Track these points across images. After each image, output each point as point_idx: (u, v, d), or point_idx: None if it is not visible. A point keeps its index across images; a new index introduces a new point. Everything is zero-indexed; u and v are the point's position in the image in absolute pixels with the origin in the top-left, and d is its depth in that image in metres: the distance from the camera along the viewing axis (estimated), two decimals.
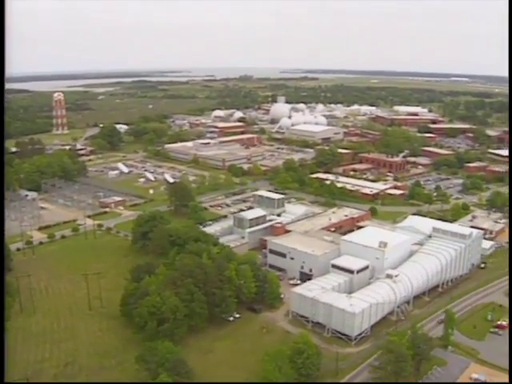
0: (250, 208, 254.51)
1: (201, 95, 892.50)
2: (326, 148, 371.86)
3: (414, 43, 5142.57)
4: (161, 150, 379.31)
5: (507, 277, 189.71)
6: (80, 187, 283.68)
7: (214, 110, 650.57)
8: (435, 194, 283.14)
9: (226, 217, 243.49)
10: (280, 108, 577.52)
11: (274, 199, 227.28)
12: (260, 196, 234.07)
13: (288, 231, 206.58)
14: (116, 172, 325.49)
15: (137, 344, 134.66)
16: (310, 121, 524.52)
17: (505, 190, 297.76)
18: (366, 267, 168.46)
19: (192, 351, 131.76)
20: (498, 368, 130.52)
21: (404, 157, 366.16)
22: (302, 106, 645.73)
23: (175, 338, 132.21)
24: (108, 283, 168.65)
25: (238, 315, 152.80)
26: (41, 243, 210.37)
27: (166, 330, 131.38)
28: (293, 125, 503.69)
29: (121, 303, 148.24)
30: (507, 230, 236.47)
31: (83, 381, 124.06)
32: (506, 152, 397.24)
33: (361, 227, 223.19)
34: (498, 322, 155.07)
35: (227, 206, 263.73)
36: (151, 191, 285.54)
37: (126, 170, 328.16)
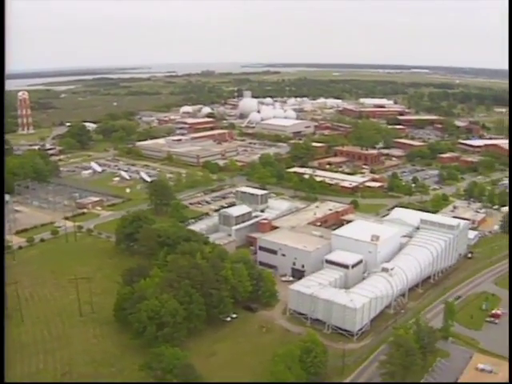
0: (232, 205, 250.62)
1: (164, 91, 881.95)
2: (301, 142, 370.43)
3: (373, 36, 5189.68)
4: (132, 148, 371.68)
5: (495, 266, 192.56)
6: (54, 188, 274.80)
7: (179, 106, 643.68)
8: (413, 185, 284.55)
9: (207, 214, 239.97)
10: (248, 103, 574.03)
11: (257, 195, 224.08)
12: (242, 192, 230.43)
13: (274, 227, 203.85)
14: (89, 171, 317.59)
15: (135, 350, 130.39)
16: (280, 115, 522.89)
17: (480, 179, 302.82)
18: (360, 261, 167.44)
19: (193, 355, 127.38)
20: (501, 357, 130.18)
21: (378, 149, 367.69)
22: (269, 100, 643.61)
23: (175, 342, 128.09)
24: (96, 287, 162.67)
25: (234, 315, 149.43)
26: (20, 248, 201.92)
27: (165, 334, 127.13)
28: (262, 119, 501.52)
29: (114, 308, 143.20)
30: (488, 220, 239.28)
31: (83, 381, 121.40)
32: (475, 142, 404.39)
33: (345, 221, 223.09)
34: (493, 311, 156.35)
35: (207, 203, 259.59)
36: (128, 190, 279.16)
37: (99, 169, 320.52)
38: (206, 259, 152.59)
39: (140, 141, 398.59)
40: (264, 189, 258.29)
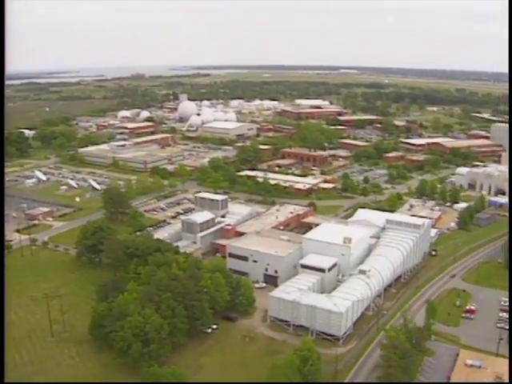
0: (188, 211, 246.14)
1: (97, 96, 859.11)
2: (248, 145, 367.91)
3: (300, 38, 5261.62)
4: (75, 155, 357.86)
5: (459, 263, 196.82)
6: None
7: (115, 110, 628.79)
8: (365, 185, 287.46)
9: (165, 221, 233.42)
10: (188, 106, 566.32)
11: (217, 200, 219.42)
12: (202, 198, 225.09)
13: (239, 233, 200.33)
14: (33, 180, 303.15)
15: (118, 370, 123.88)
16: (220, 118, 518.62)
17: (427, 177, 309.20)
18: (335, 264, 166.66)
19: (181, 370, 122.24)
20: (485, 352, 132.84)
21: (326, 150, 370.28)
22: (206, 102, 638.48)
23: (161, 358, 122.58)
24: (63, 304, 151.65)
25: (215, 326, 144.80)
26: None
27: (151, 351, 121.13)
28: (203, 122, 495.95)
29: (91, 326, 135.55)
30: (444, 217, 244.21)
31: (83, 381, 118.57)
32: (417, 141, 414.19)
33: (306, 223, 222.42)
34: (467, 307, 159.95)
35: (162, 210, 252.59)
36: (77, 199, 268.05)
37: (43, 177, 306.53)
38: (182, 270, 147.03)
39: (81, 147, 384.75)
40: (216, 193, 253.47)
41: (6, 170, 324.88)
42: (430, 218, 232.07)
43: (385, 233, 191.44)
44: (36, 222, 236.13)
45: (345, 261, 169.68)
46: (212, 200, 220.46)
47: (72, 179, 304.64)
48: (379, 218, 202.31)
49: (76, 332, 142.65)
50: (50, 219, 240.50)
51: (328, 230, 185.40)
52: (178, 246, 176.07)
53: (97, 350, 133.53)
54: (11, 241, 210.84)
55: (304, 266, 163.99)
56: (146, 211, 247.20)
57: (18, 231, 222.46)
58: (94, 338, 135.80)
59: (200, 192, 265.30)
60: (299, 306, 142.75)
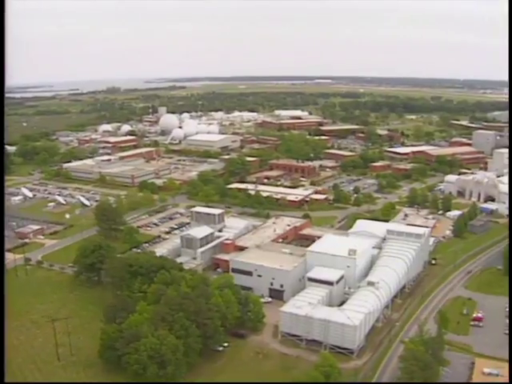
0: (181, 226, 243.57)
1: (73, 110, 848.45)
2: (235, 157, 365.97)
3: (272, 48, 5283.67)
4: (60, 170, 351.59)
5: (459, 271, 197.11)
6: None
7: (94, 124, 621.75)
8: (355, 195, 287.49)
9: (160, 237, 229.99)
10: (169, 119, 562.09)
11: (214, 215, 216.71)
12: (197, 212, 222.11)
13: (238, 247, 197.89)
14: (19, 197, 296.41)
15: None
16: (202, 130, 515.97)
17: (416, 186, 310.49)
18: (342, 277, 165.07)
19: None
20: (500, 360, 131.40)
21: (313, 161, 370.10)
22: (186, 115, 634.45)
23: (177, 380, 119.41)
24: (65, 326, 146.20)
25: (226, 344, 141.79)
26: None
27: (168, 373, 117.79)
28: (185, 135, 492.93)
29: (100, 349, 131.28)
30: (438, 226, 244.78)
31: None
32: (402, 150, 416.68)
33: (304, 236, 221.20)
34: (474, 315, 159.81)
35: (155, 225, 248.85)
36: (67, 216, 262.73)
37: (30, 194, 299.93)
38: (190, 287, 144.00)
39: (64, 162, 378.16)
40: (208, 207, 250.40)
41: None
42: (426, 227, 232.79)
43: (386, 243, 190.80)
44: (27, 240, 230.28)
45: (350, 273, 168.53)
46: (208, 214, 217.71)
47: (59, 195, 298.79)
48: (379, 228, 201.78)
49: (83, 355, 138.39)
50: (41, 237, 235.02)
51: (331, 242, 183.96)
52: (181, 263, 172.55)
53: (108, 374, 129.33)
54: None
55: (311, 280, 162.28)
56: (138, 227, 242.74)
57: (9, 250, 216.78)
58: (103, 361, 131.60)
59: (191, 206, 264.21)
60: (312, 320, 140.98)
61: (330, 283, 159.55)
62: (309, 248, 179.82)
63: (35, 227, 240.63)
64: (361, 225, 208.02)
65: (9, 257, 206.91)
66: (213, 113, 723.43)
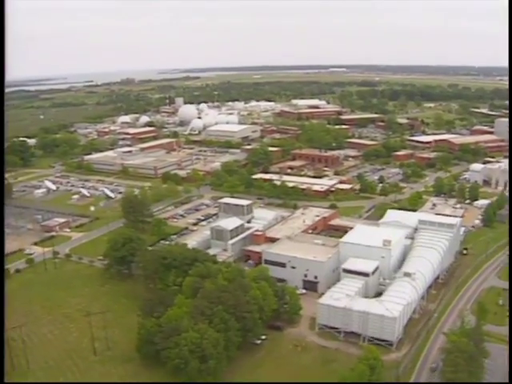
0: (208, 217, 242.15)
1: (90, 102, 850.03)
2: (257, 147, 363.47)
3: (285, 38, 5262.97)
4: (82, 163, 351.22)
5: (492, 261, 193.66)
6: (12, 211, 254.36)
7: (111, 116, 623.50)
8: (384, 185, 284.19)
9: (187, 229, 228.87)
10: (188, 109, 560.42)
11: (242, 206, 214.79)
12: (226, 203, 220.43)
13: (269, 238, 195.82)
14: (43, 190, 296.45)
15: None
16: (221, 120, 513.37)
17: (443, 175, 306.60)
18: (377, 268, 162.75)
19: None
20: None
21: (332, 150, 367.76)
22: (203, 105, 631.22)
23: (218, 374, 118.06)
24: (99, 320, 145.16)
25: (264, 336, 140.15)
26: None
27: (209, 367, 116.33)
28: (205, 126, 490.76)
29: (139, 343, 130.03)
30: (467, 215, 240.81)
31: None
32: (424, 138, 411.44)
33: (333, 226, 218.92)
34: None
35: (182, 216, 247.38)
36: (92, 208, 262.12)
37: (53, 187, 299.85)
38: (227, 280, 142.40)
39: (85, 154, 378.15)
40: (233, 198, 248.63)
41: (12, 180, 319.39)
42: (455, 216, 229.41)
43: (419, 233, 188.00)
44: (53, 233, 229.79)
45: (385, 263, 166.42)
46: (237, 205, 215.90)
47: (83, 188, 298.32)
48: (410, 218, 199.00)
49: (120, 349, 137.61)
50: (68, 230, 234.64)
51: (363, 233, 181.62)
52: (215, 255, 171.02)
53: (147, 369, 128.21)
54: (30, 255, 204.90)
55: (346, 271, 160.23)
56: (165, 219, 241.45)
57: (36, 244, 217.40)
58: (141, 356, 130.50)
59: (216, 197, 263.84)
60: (351, 312, 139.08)
61: (365, 274, 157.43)
62: (342, 239, 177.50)
63: (61, 220, 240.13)
64: (391, 215, 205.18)
65: (37, 250, 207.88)
66: (230, 103, 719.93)
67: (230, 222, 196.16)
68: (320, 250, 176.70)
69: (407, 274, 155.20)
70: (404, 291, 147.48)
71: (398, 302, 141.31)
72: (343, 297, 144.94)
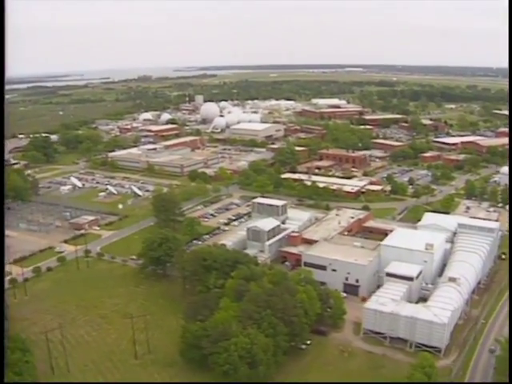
0: (239, 217, 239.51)
1: (108, 98, 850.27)
2: (284, 146, 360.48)
3: (299, 37, 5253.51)
4: (107, 160, 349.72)
5: None
6: (39, 208, 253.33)
7: (131, 112, 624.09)
8: (411, 186, 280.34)
9: (219, 228, 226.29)
10: (210, 107, 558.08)
11: (277, 206, 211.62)
12: (260, 203, 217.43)
13: (306, 240, 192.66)
14: (68, 187, 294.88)
15: None
16: (243, 119, 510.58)
17: (473, 177, 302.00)
18: (420, 272, 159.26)
19: None
20: None
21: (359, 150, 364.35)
22: (224, 103, 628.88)
23: (268, 380, 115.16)
24: (137, 322, 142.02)
25: (309, 341, 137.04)
26: (26, 280, 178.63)
27: (259, 373, 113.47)
28: (227, 124, 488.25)
29: (183, 347, 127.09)
30: (501, 219, 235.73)
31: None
32: (450, 140, 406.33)
33: (367, 228, 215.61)
34: None
35: (212, 216, 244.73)
36: (120, 206, 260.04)
37: (79, 183, 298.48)
38: (271, 283, 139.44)
39: (108, 151, 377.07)
40: (263, 197, 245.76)
41: (37, 175, 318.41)
42: (490, 220, 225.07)
43: (458, 237, 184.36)
44: (83, 231, 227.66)
45: (428, 268, 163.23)
46: (271, 205, 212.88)
47: (109, 185, 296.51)
48: (447, 221, 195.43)
49: (162, 353, 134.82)
50: (97, 228, 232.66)
51: (403, 236, 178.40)
52: (255, 257, 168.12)
53: (191, 373, 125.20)
54: (60, 252, 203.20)
55: (390, 275, 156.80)
56: (195, 218, 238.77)
57: (66, 242, 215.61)
58: (185, 360, 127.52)
59: (245, 196, 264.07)
60: (398, 317, 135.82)
61: (409, 279, 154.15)
62: (382, 242, 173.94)
63: (90, 218, 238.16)
64: (429, 218, 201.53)
65: (67, 248, 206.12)
66: (249, 101, 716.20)
67: (266, 223, 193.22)
68: (360, 252, 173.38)
69: (452, 279, 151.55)
70: (450, 296, 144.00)
71: (446, 307, 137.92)
72: (389, 301, 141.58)
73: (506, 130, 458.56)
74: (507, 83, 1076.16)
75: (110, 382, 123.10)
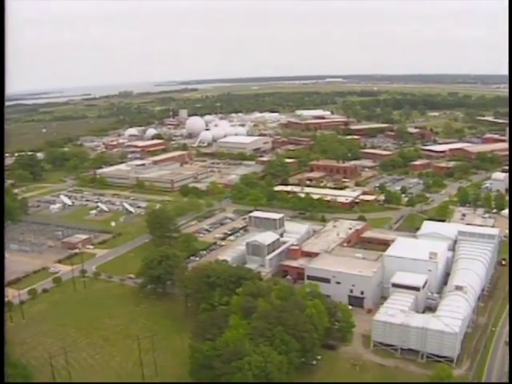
0: (235, 231, 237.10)
1: (91, 114, 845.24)
2: (274, 159, 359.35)
3: (278, 49, 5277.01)
4: (95, 177, 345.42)
5: None
6: (30, 227, 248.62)
7: (115, 128, 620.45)
8: (403, 195, 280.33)
9: (215, 244, 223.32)
10: (196, 121, 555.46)
11: (274, 219, 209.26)
12: (256, 217, 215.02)
13: (306, 253, 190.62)
14: (58, 205, 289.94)
15: None
16: (230, 132, 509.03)
17: (464, 184, 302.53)
18: (426, 282, 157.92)
19: None
20: None
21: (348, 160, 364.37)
22: (208, 117, 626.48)
23: None
24: (141, 343, 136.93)
25: (319, 357, 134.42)
26: (22, 302, 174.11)
27: None
28: (214, 138, 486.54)
29: (193, 368, 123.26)
30: (497, 225, 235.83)
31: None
32: (438, 147, 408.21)
33: (366, 239, 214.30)
34: None
35: (207, 231, 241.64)
36: (113, 223, 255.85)
37: (69, 201, 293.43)
38: (280, 299, 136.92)
39: (96, 168, 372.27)
40: (257, 210, 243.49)
41: (25, 194, 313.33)
42: (487, 226, 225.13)
43: (460, 245, 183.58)
44: (76, 250, 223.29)
45: (432, 277, 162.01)
46: (268, 219, 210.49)
47: (100, 202, 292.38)
48: (448, 229, 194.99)
49: (170, 374, 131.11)
50: (91, 247, 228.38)
51: (405, 246, 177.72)
52: (259, 272, 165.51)
53: None
54: (56, 273, 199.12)
55: (396, 285, 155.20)
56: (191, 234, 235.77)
57: (60, 262, 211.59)
58: (196, 382, 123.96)
59: (239, 210, 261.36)
60: (408, 328, 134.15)
61: (416, 289, 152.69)
62: (386, 252, 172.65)
63: (83, 236, 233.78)
64: (428, 226, 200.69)
65: (62, 268, 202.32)
66: (233, 114, 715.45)
67: (266, 237, 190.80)
68: (362, 264, 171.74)
69: (459, 288, 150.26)
70: (459, 305, 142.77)
71: (456, 316, 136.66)
72: (398, 313, 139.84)
73: (492, 135, 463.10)
74: (488, 89, 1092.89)
75: (110, 382, 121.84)
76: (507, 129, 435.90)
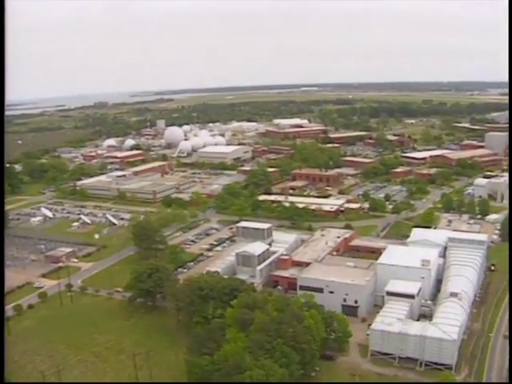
0: (221, 242, 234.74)
1: (67, 126, 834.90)
2: (256, 168, 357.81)
3: (252, 57, 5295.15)
4: (76, 188, 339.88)
5: None
6: (11, 241, 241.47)
7: (93, 140, 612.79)
8: (387, 202, 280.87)
9: (202, 255, 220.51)
10: (174, 132, 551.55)
11: (262, 229, 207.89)
12: (244, 227, 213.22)
13: (296, 262, 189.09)
14: (39, 218, 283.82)
15: None
16: (209, 142, 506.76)
17: (447, 191, 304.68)
18: (420, 289, 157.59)
19: None
20: None
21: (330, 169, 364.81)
22: (186, 127, 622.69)
23: None
24: (134, 358, 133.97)
25: (317, 368, 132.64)
26: (7, 319, 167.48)
27: None
28: (193, 148, 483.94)
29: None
30: (483, 230, 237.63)
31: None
32: (418, 154, 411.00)
33: (354, 247, 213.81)
34: None
35: (193, 242, 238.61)
36: (96, 236, 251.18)
37: (50, 214, 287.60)
38: (277, 310, 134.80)
39: (75, 180, 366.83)
40: (241, 221, 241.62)
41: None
42: (473, 232, 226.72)
43: (450, 251, 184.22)
44: (60, 264, 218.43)
45: (425, 284, 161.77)
46: (256, 229, 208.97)
47: (81, 214, 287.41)
48: (437, 236, 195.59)
49: None
50: (75, 260, 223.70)
51: (397, 253, 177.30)
52: (253, 283, 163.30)
53: None
54: (41, 287, 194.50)
55: (390, 294, 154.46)
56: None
57: (44, 276, 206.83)
58: None
59: (223, 221, 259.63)
60: (406, 337, 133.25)
61: (411, 296, 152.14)
62: (378, 260, 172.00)
63: (66, 250, 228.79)
64: (418, 233, 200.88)
65: (46, 283, 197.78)
66: (210, 124, 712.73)
67: (256, 247, 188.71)
68: (355, 272, 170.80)
69: (454, 294, 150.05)
70: (455, 312, 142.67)
71: (453, 323, 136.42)
72: (395, 321, 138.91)
73: (471, 142, 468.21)
74: (462, 96, 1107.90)
75: (110, 382, 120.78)
76: (507, 133, 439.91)
